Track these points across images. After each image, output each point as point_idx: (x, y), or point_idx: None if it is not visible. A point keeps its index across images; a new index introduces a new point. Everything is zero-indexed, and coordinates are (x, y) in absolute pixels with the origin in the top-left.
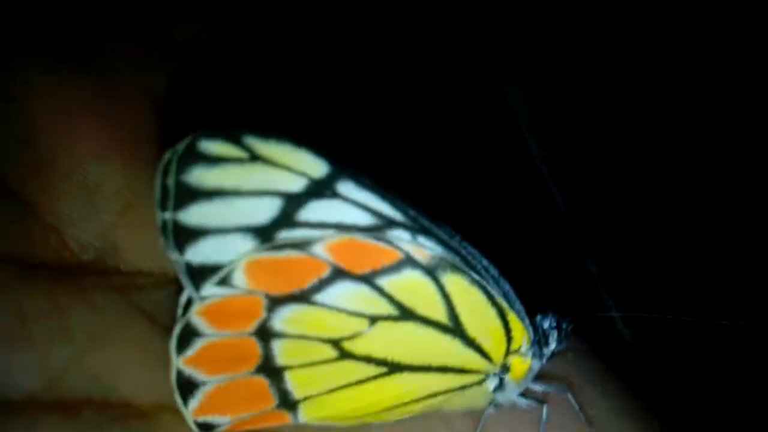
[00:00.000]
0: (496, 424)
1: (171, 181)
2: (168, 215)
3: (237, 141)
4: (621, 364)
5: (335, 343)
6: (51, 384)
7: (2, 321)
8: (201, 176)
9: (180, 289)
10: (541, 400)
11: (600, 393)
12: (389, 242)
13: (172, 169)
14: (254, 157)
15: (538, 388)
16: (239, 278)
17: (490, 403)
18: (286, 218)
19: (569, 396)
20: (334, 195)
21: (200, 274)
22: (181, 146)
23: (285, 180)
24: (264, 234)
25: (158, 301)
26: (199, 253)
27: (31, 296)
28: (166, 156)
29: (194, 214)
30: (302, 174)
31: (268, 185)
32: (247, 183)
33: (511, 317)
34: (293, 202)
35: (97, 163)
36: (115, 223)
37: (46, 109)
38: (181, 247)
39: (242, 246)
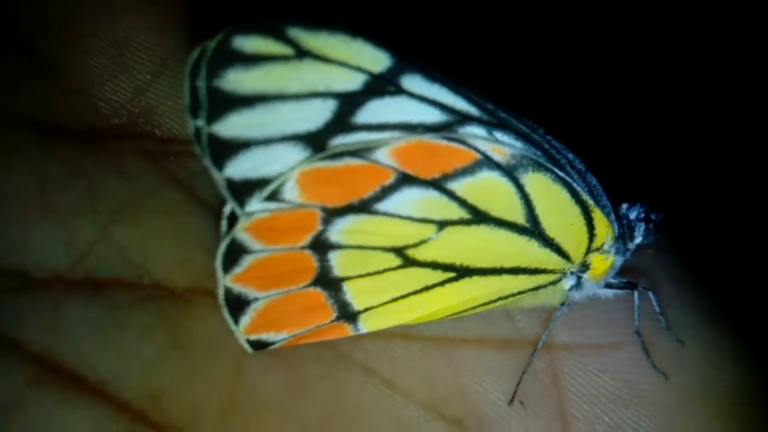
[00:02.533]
0: (562, 322)
1: (202, 85)
2: (202, 124)
3: (280, 34)
4: (701, 261)
5: (399, 251)
6: (76, 260)
7: (19, 189)
8: (238, 80)
9: None
10: (630, 285)
11: (678, 293)
12: (464, 142)
13: (203, 73)
14: (301, 53)
15: (618, 282)
16: (291, 191)
17: (563, 303)
18: (342, 122)
19: (651, 295)
20: (399, 91)
21: (244, 188)
22: (211, 45)
23: (340, 77)
24: (316, 141)
25: (196, 170)
26: (241, 166)
27: (51, 162)
28: (194, 54)
29: (232, 125)
30: (360, 69)
31: (320, 85)
32: (294, 84)
33: (596, 214)
34: (349, 102)
35: (128, 17)
36: (148, 82)
37: None
38: (219, 161)
39: (290, 156)
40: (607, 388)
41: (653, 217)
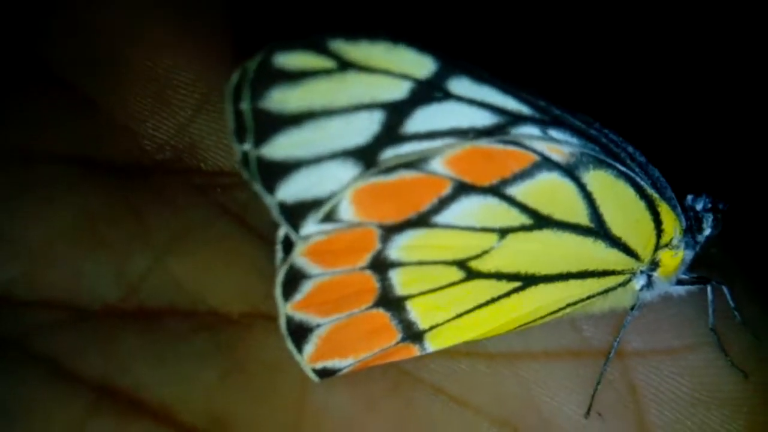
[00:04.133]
0: (632, 328)
1: (246, 108)
2: (249, 148)
3: (321, 48)
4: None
5: (461, 263)
6: (129, 292)
7: (69, 223)
8: (283, 99)
9: None
10: (702, 282)
11: (749, 287)
12: (520, 144)
13: (246, 95)
14: (344, 65)
15: (690, 278)
16: (346, 211)
17: (633, 306)
18: (391, 133)
19: (725, 290)
20: (446, 96)
21: (298, 210)
22: (252, 65)
23: (385, 86)
24: (366, 156)
25: (246, 200)
26: (293, 188)
27: (100, 196)
28: (234, 77)
29: (281, 146)
30: (405, 76)
31: (366, 96)
32: (340, 97)
33: (662, 207)
34: (397, 112)
35: (168, 53)
36: (191, 118)
37: (113, 7)
38: (270, 185)
39: (342, 174)
40: (685, 392)
41: (720, 206)
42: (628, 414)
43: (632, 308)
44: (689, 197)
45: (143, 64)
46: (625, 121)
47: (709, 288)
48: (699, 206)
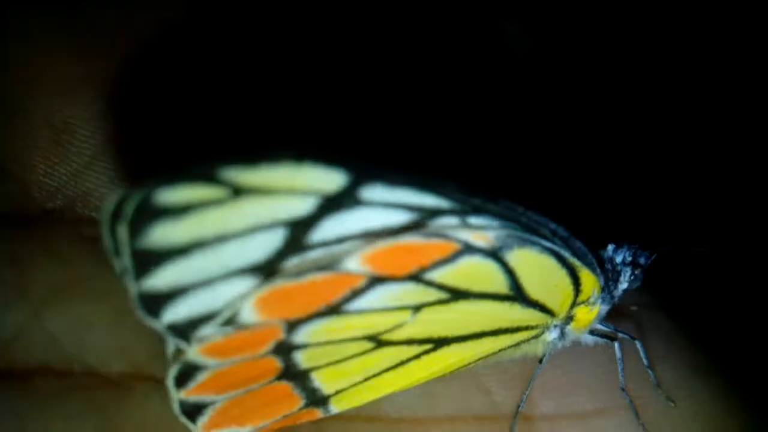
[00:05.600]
0: (543, 389)
1: (124, 247)
2: (129, 283)
3: (210, 178)
4: (690, 318)
5: (371, 337)
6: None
7: None
8: (167, 234)
9: None
10: (611, 337)
11: (669, 349)
12: (443, 236)
13: (123, 237)
14: (239, 191)
15: (605, 328)
16: (248, 315)
17: (541, 359)
18: (294, 245)
19: (638, 345)
20: (356, 203)
21: (189, 326)
22: (130, 207)
23: (287, 206)
24: (266, 268)
25: None
26: (183, 310)
27: None
28: (108, 207)
29: (166, 277)
30: (310, 193)
31: (266, 217)
32: (234, 223)
33: (583, 271)
34: (302, 225)
35: (65, 101)
36: (87, 165)
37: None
38: (155, 312)
39: (239, 288)
40: None
41: (641, 261)
42: None
43: (540, 360)
44: (610, 248)
45: (40, 111)
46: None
47: (616, 345)
48: (618, 259)
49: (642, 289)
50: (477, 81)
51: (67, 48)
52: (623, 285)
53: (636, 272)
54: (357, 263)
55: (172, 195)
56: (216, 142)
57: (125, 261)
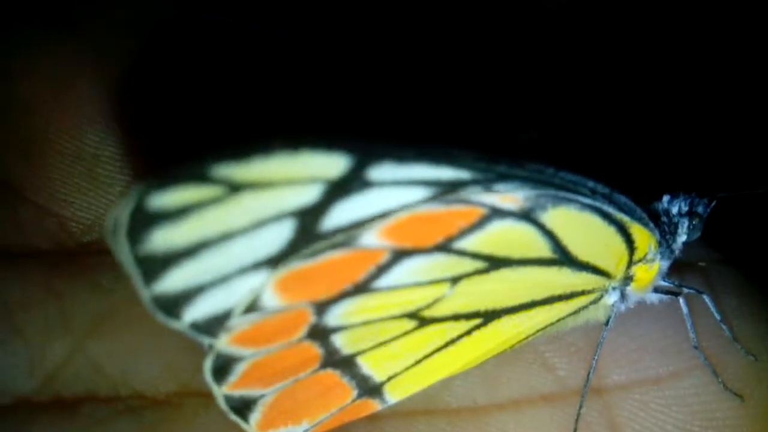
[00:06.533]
0: (612, 358)
1: (127, 258)
2: (141, 290)
3: (204, 178)
4: (761, 272)
5: (411, 315)
6: (45, 382)
7: None
8: (168, 238)
9: None
10: (676, 293)
11: (742, 304)
12: (466, 201)
13: (123, 246)
14: (237, 187)
15: (669, 284)
16: (270, 299)
17: (606, 324)
18: (307, 234)
19: (707, 299)
20: (366, 185)
21: (213, 324)
22: (123, 213)
23: (291, 196)
24: (282, 260)
25: None
26: (201, 309)
27: (21, 285)
28: (111, 219)
29: (176, 279)
30: (313, 180)
31: (270, 210)
32: (238, 219)
33: (634, 227)
34: (311, 214)
35: (95, 131)
36: (121, 195)
37: (30, 81)
38: (175, 313)
39: (256, 282)
40: (676, 425)
41: (700, 209)
42: None
43: (606, 323)
44: (665, 199)
45: (67, 143)
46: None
47: (682, 300)
48: (674, 210)
49: (709, 246)
50: (510, 36)
51: (79, 76)
52: (682, 237)
53: (695, 222)
54: (374, 238)
55: (165, 199)
56: (224, 139)
57: (131, 270)
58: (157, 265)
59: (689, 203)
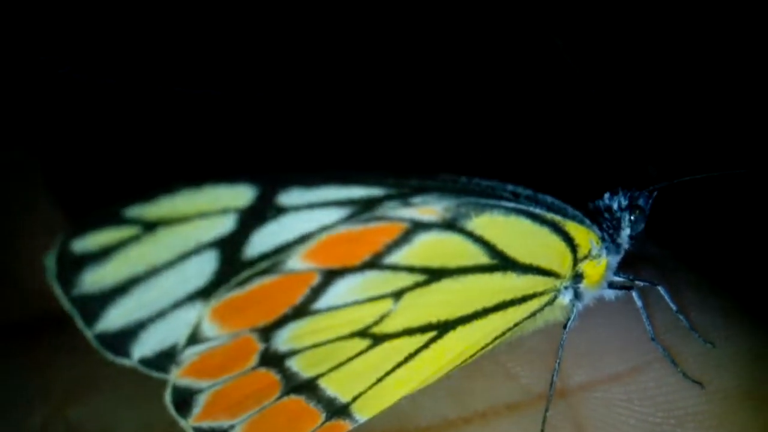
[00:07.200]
0: (573, 359)
1: (63, 300)
2: (83, 330)
3: (117, 220)
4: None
5: (362, 333)
6: None
7: None
8: (97, 278)
9: None
10: (629, 287)
11: (697, 296)
12: (383, 218)
13: (57, 290)
14: (151, 225)
15: (622, 279)
16: (210, 329)
17: (566, 322)
18: (232, 264)
19: (662, 290)
20: (281, 211)
21: (162, 359)
22: (50, 261)
23: (206, 227)
24: (214, 291)
25: None
26: (148, 345)
27: (4, 361)
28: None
29: (116, 317)
30: (225, 211)
31: (189, 243)
32: (160, 255)
33: (569, 225)
34: (231, 244)
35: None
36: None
37: None
38: (122, 351)
39: (193, 313)
40: (639, 418)
41: (641, 202)
42: None
43: (564, 326)
44: (605, 196)
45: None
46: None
47: (635, 294)
48: (614, 205)
49: (659, 244)
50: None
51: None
52: (626, 231)
53: (636, 214)
54: (299, 261)
55: (86, 242)
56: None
57: (71, 312)
58: (94, 305)
59: (629, 197)
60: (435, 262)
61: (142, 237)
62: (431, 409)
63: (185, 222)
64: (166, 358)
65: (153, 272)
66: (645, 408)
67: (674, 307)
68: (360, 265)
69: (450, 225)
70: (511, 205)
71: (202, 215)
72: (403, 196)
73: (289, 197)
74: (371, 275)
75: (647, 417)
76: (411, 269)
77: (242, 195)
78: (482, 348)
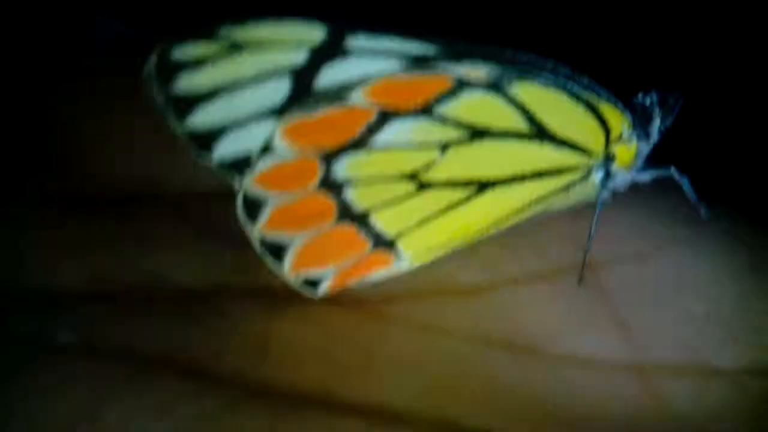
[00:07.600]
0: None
1: (159, 98)
2: (175, 125)
3: (212, 36)
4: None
5: (410, 176)
6: (98, 282)
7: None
8: (189, 83)
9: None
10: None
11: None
12: (435, 70)
13: (155, 87)
14: (238, 46)
15: (649, 176)
16: (281, 145)
17: (597, 198)
18: (303, 91)
19: (685, 182)
20: (346, 52)
21: (237, 166)
22: (151, 63)
23: (283, 55)
24: (285, 113)
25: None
26: (227, 148)
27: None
28: (146, 70)
29: (201, 118)
30: (299, 44)
31: (268, 65)
32: (243, 71)
33: (603, 107)
34: (303, 73)
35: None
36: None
37: None
38: (206, 148)
39: (268, 128)
40: (661, 288)
41: (671, 100)
42: (603, 315)
43: (597, 201)
44: (639, 95)
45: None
46: None
47: (673, 169)
48: (647, 101)
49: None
50: None
51: None
52: (656, 122)
53: (666, 108)
54: (362, 96)
55: (183, 52)
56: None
57: (165, 109)
58: (184, 105)
59: (660, 95)
60: (478, 121)
61: (230, 54)
62: (465, 278)
63: (266, 47)
64: (240, 165)
65: (237, 85)
66: (667, 280)
67: (694, 197)
68: (413, 110)
69: (494, 87)
70: (552, 77)
71: (281, 44)
72: (454, 57)
73: (356, 42)
74: (422, 122)
75: (668, 288)
76: (457, 124)
77: (316, 33)
78: (518, 212)
